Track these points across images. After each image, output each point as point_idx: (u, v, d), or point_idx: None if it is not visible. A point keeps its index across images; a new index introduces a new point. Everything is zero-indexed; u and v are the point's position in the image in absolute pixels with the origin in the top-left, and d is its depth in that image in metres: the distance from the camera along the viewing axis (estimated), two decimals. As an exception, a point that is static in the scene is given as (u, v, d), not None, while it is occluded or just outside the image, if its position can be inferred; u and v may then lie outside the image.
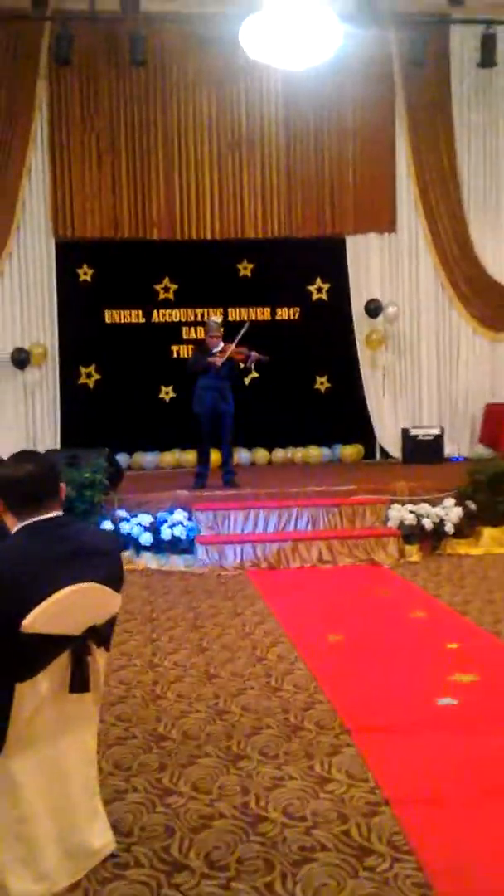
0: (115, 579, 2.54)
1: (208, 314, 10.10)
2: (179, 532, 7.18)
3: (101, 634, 2.46)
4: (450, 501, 7.62)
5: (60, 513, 2.52)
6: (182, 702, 3.97)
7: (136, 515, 7.37)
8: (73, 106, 10.30)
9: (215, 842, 2.72)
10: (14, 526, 2.47)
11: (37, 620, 2.29)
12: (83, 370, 10.87)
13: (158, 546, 7.22)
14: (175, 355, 10.97)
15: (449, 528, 7.41)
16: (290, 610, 5.66)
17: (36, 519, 2.46)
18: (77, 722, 2.51)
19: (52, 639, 2.33)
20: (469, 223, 10.95)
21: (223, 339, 8.42)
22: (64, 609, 2.35)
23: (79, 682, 2.39)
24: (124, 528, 7.24)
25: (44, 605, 2.30)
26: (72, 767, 2.51)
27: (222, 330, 8.57)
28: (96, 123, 10.36)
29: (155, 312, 11.01)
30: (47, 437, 10.48)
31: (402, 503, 7.64)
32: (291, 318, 11.24)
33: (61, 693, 2.39)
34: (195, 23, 10.17)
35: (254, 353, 8.24)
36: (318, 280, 11.26)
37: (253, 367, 8.61)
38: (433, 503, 7.63)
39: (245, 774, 3.19)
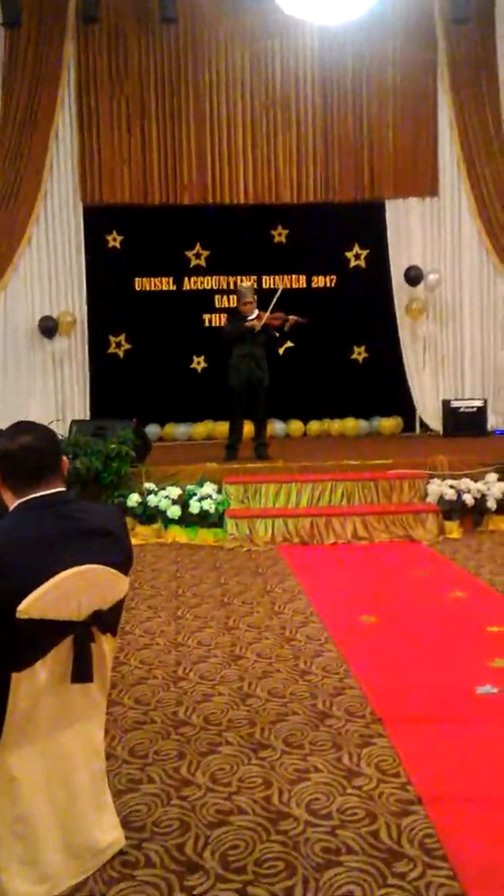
0: (122, 560, 2.32)
1: (241, 281, 9.80)
2: (208, 505, 6.97)
3: (106, 620, 2.24)
4: (492, 476, 7.30)
5: (63, 489, 2.30)
6: (205, 684, 3.77)
7: (164, 488, 7.17)
8: (102, 67, 9.99)
9: (233, 840, 2.52)
10: (12, 503, 2.26)
11: (34, 605, 2.08)
12: (113, 339, 10.66)
13: (187, 519, 7.02)
14: (207, 324, 10.71)
15: (491, 503, 7.10)
16: (322, 588, 5.43)
17: (35, 495, 2.24)
18: (81, 713, 2.30)
19: (52, 625, 2.12)
20: (515, 186, 10.49)
21: (256, 307, 8.15)
22: (65, 593, 2.14)
23: (81, 671, 2.18)
24: (152, 500, 7.05)
25: (42, 588, 2.09)
26: (76, 761, 2.31)
27: (255, 297, 8.28)
28: (125, 85, 10.05)
29: (186, 280, 10.73)
30: (77, 408, 10.31)
31: (442, 478, 7.33)
32: (328, 285, 10.90)
33: (63, 683, 2.19)
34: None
35: (291, 317, 7.94)
36: (356, 246, 10.88)
37: (290, 330, 8.31)
38: (475, 478, 7.32)
39: (268, 765, 2.97)
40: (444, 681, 3.73)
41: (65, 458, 2.36)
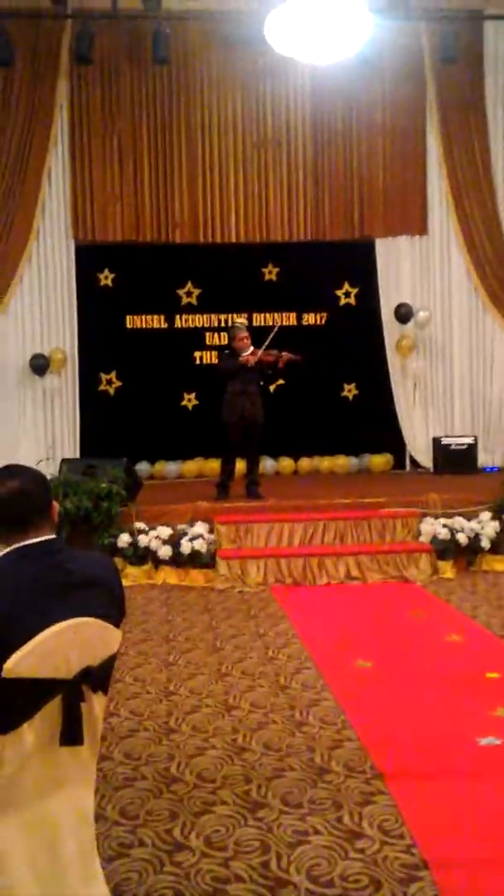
0: (114, 613, 2.22)
1: (232, 319, 9.79)
2: (200, 546, 6.85)
3: (97, 677, 2.12)
4: (486, 515, 7.23)
5: (52, 536, 2.19)
6: (197, 737, 3.63)
7: (154, 528, 7.06)
8: (95, 106, 10.06)
9: (230, 911, 2.38)
10: (-2, 552, 2.15)
11: (21, 663, 1.96)
12: (104, 377, 10.61)
13: (178, 560, 6.90)
14: (198, 361, 10.68)
15: (485, 543, 7.02)
16: (316, 631, 5.31)
17: (23, 543, 2.14)
18: (70, 778, 2.17)
19: (40, 683, 2.01)
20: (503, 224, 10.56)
21: (251, 344, 8.10)
22: (54, 649, 2.02)
23: (70, 733, 2.05)
24: (143, 540, 6.93)
25: (30, 644, 1.98)
26: (64, 829, 2.17)
27: (248, 334, 8.24)
28: (118, 124, 10.11)
29: (177, 318, 10.72)
30: (66, 445, 10.21)
31: (435, 516, 7.25)
32: (318, 323, 10.91)
33: (50, 746, 2.07)
34: (219, 20, 9.90)
35: (285, 354, 7.88)
36: (346, 284, 10.92)
37: (284, 367, 8.22)
38: (468, 517, 7.24)
39: (265, 827, 2.84)
40: (445, 731, 3.61)
41: (55, 502, 2.26)
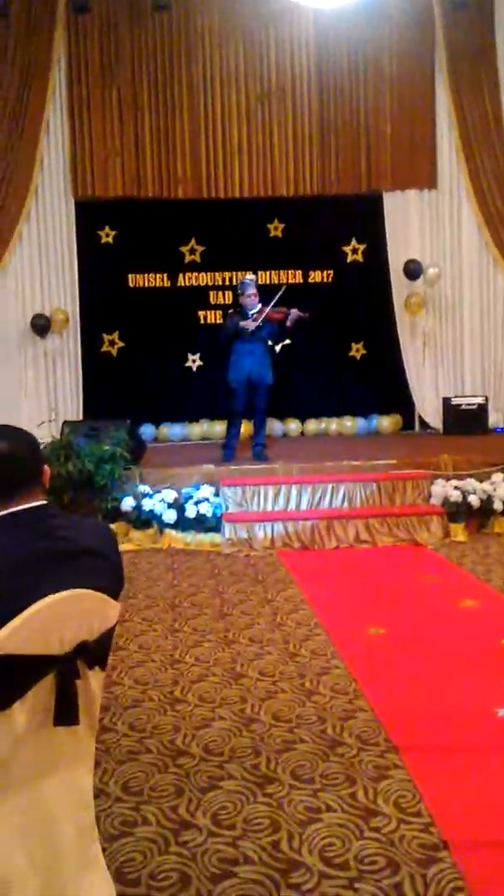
0: (112, 584, 2.05)
1: (237, 277, 9.54)
2: (205, 509, 6.71)
3: (93, 652, 1.96)
4: (498, 476, 7.06)
5: (44, 502, 2.02)
6: (204, 707, 3.50)
7: (159, 491, 6.90)
8: (93, 58, 9.69)
9: None
10: (-15, 519, 1.98)
11: (10, 639, 1.80)
12: (106, 337, 10.38)
13: (183, 524, 6.76)
14: (202, 321, 10.44)
15: (497, 505, 6.86)
16: (325, 596, 5.17)
17: (12, 510, 1.96)
18: (66, 758, 2.02)
19: (31, 660, 1.85)
20: (516, 177, 10.23)
21: (259, 301, 7.87)
22: (47, 623, 1.86)
23: (65, 713, 1.90)
24: (147, 504, 6.78)
25: (20, 618, 1.82)
26: (61, 813, 2.03)
27: (256, 291, 7.98)
28: (117, 76, 9.75)
29: (181, 276, 10.45)
30: (69, 408, 10.02)
31: (447, 478, 7.08)
32: (325, 280, 10.63)
33: (45, 726, 1.91)
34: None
35: (294, 311, 7.64)
36: (354, 240, 10.62)
37: (292, 326, 7.98)
38: (479, 478, 7.07)
39: (275, 803, 2.71)
40: (462, 702, 3.47)
41: (46, 466, 2.08)
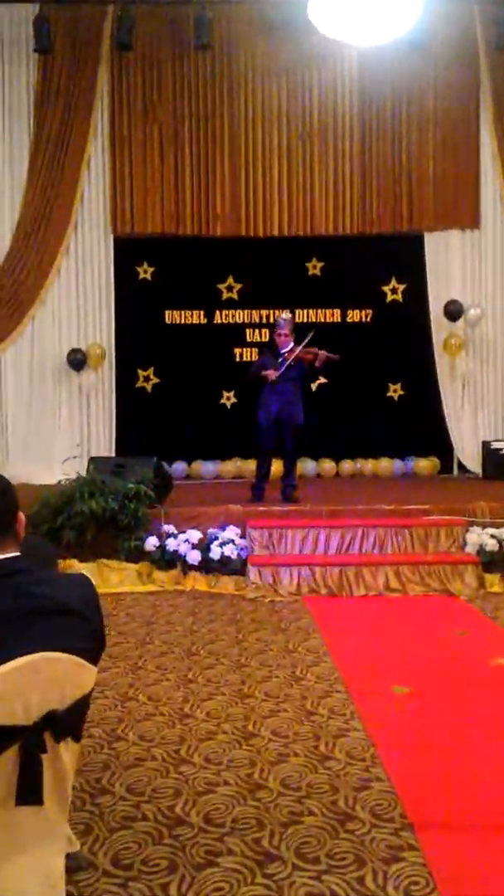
0: (90, 647, 1.88)
1: (274, 315, 9.46)
2: (230, 551, 6.51)
3: (63, 724, 1.77)
4: (537, 525, 6.77)
5: (16, 553, 1.86)
6: (210, 769, 3.27)
7: (184, 531, 6.73)
8: (135, 95, 9.78)
9: None
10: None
11: (-32, 706, 1.63)
12: (141, 373, 10.34)
13: (207, 566, 6.57)
14: (238, 358, 10.35)
15: (535, 555, 6.56)
16: (349, 649, 4.92)
17: (-19, 562, 1.81)
18: (33, 840, 1.83)
19: (-8, 731, 1.68)
20: None
21: (293, 341, 7.74)
22: (11, 689, 1.69)
23: (28, 791, 1.72)
24: (171, 544, 6.61)
25: (-19, 683, 1.65)
26: (26, 899, 1.85)
27: (291, 329, 7.85)
28: (159, 113, 9.82)
29: (217, 313, 10.41)
30: (102, 443, 9.96)
31: (483, 526, 6.80)
32: (363, 320, 10.50)
33: (5, 805, 1.73)
34: (263, 4, 9.54)
35: (323, 352, 7.49)
36: (394, 280, 10.48)
37: (322, 367, 7.82)
38: (517, 527, 6.78)
39: (275, 887, 2.47)
40: (488, 775, 3.19)
41: (21, 514, 1.92)
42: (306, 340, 7.53)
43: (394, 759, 3.33)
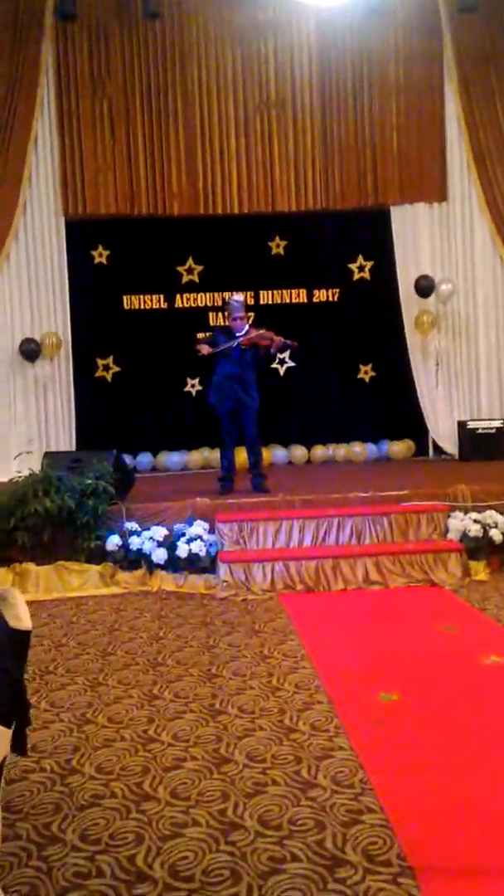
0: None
1: (232, 295, 8.97)
2: (198, 548, 6.09)
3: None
4: (522, 508, 6.42)
5: None
6: (175, 806, 2.85)
7: (148, 528, 6.29)
8: (82, 68, 9.24)
9: None
10: None
11: None
12: (100, 362, 9.86)
13: (175, 564, 6.14)
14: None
15: (522, 539, 6.22)
16: (330, 651, 4.53)
17: None
18: None
19: None
20: (530, 189, 9.66)
21: (252, 325, 7.32)
22: None
23: None
24: (134, 543, 6.17)
25: None
26: None
27: (245, 312, 7.42)
28: (108, 87, 9.29)
29: (178, 297, 9.94)
30: (61, 437, 9.46)
31: (465, 510, 6.43)
32: (331, 299, 10.10)
33: None
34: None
35: (279, 338, 7.09)
36: (360, 257, 10.09)
37: (278, 354, 7.44)
38: (501, 510, 6.42)
39: None
40: (494, 799, 2.81)
41: None
42: (286, 355, 7.16)
43: (386, 784, 2.93)
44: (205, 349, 7.01)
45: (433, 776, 2.99)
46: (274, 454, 9.65)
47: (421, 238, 9.83)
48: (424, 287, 9.48)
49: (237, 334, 7.07)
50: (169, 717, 3.67)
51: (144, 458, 9.78)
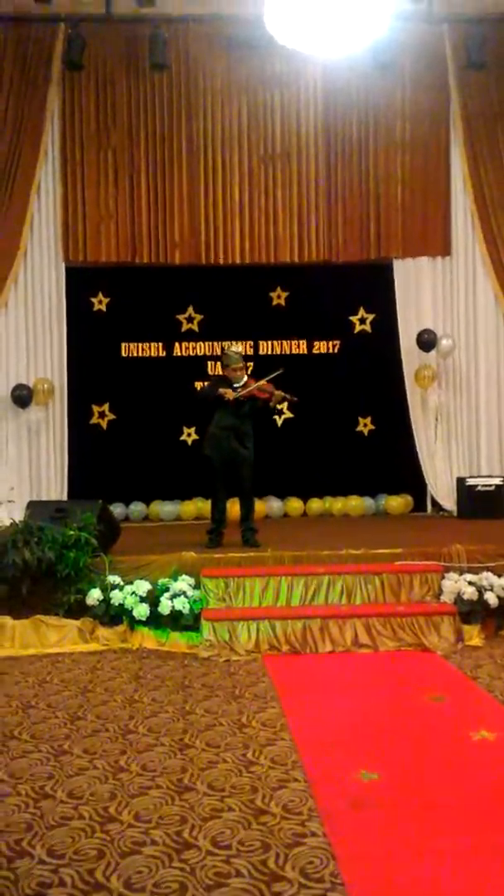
0: None
1: (230, 346, 8.92)
2: (181, 604, 5.86)
3: None
4: (519, 571, 6.20)
5: None
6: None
7: (131, 582, 6.08)
8: (88, 117, 9.31)
9: None
10: None
11: None
12: (96, 409, 9.77)
13: (157, 620, 5.91)
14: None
15: (518, 604, 5.99)
16: (311, 721, 4.28)
17: None
18: None
19: None
20: (533, 246, 9.61)
21: (250, 376, 7.18)
22: None
23: None
24: (116, 597, 5.95)
25: None
26: None
27: (244, 363, 7.28)
28: (113, 136, 9.34)
29: (177, 345, 9.89)
30: (52, 484, 9.31)
31: (460, 572, 6.21)
32: (331, 351, 10.02)
33: None
34: (221, 23, 9.15)
35: (279, 392, 6.95)
36: (362, 310, 10.03)
37: (278, 407, 7.29)
38: (497, 572, 6.20)
39: None
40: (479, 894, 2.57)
41: None
42: (272, 376, 7.01)
43: (358, 879, 2.69)
44: (230, 393, 6.80)
45: (411, 869, 2.75)
46: (269, 506, 9.47)
47: (423, 292, 9.76)
48: (427, 341, 9.38)
49: (236, 386, 6.92)
50: (133, 792, 3.43)
51: (137, 507, 9.61)
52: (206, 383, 8.35)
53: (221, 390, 6.80)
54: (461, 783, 3.47)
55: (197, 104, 9.40)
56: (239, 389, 6.90)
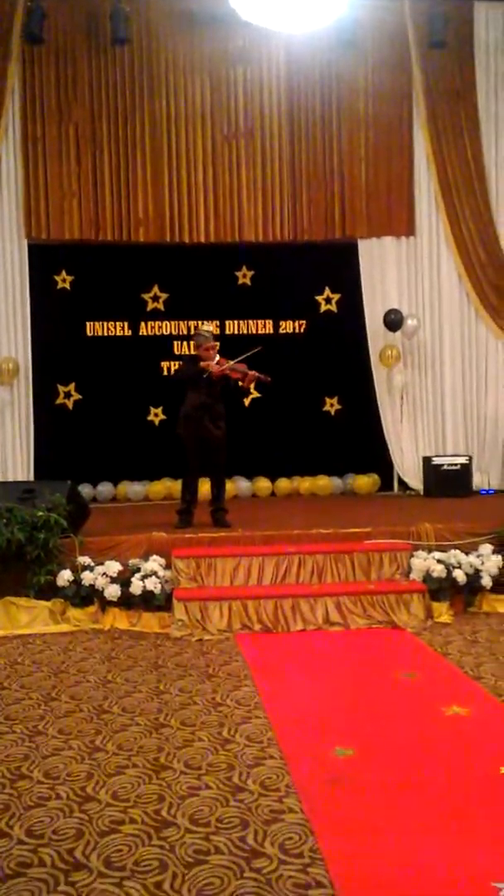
0: None
1: (201, 325, 8.84)
2: (152, 585, 5.86)
3: None
4: (486, 548, 6.27)
5: None
6: (108, 877, 2.62)
7: (101, 563, 6.05)
8: (49, 92, 9.13)
9: None
10: None
11: None
12: (61, 389, 9.66)
13: (128, 601, 5.90)
14: (165, 372, 9.75)
15: (486, 581, 6.07)
16: (285, 698, 4.32)
17: None
18: None
19: None
20: (497, 225, 9.67)
21: (221, 355, 7.13)
22: None
23: None
24: (87, 578, 5.92)
25: None
26: None
27: (215, 343, 7.24)
28: (74, 112, 9.17)
29: (142, 325, 9.80)
30: (18, 466, 9.20)
31: (428, 550, 6.28)
32: (297, 331, 10.00)
33: None
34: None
35: (253, 373, 6.93)
36: (327, 290, 10.03)
37: (251, 388, 7.27)
38: (465, 549, 6.28)
39: None
40: (452, 868, 2.61)
41: None
42: (247, 355, 6.98)
43: (337, 852, 2.72)
44: (215, 368, 6.74)
45: (388, 842, 2.79)
46: (238, 486, 9.47)
47: (388, 272, 9.78)
48: (393, 321, 9.41)
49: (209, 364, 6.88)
50: (110, 772, 3.43)
51: (105, 488, 9.56)
52: (179, 363, 8.27)
53: (203, 363, 6.76)
54: (435, 758, 3.53)
55: (159, 80, 9.27)
56: (211, 363, 6.85)
